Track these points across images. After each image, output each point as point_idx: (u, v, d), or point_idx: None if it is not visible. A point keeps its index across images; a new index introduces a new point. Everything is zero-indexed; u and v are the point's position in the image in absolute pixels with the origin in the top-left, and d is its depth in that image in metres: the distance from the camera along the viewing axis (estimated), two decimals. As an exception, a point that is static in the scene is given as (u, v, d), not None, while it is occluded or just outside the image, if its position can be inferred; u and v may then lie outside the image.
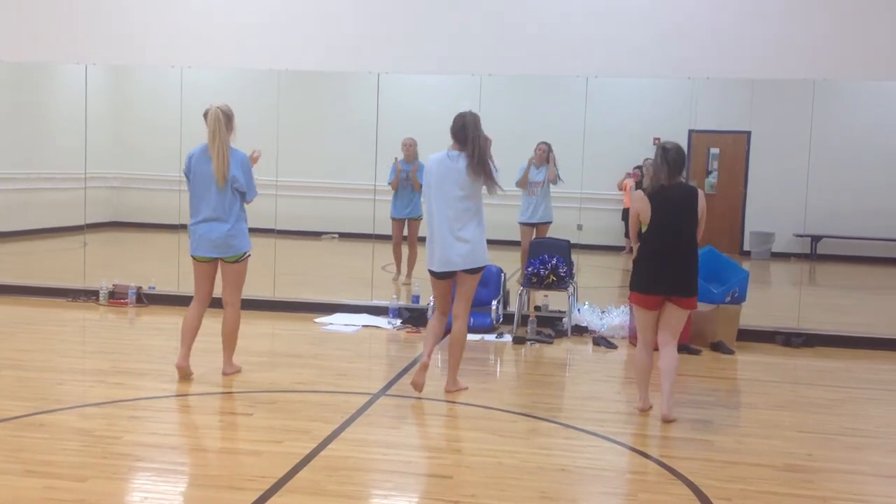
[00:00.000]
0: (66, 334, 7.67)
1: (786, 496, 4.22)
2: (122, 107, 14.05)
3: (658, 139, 11.26)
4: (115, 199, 13.98)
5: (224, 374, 6.07)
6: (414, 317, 8.16)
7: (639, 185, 10.63)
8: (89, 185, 9.98)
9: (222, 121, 5.77)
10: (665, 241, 5.35)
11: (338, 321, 8.24)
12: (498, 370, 7.08)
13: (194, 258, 5.96)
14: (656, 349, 5.48)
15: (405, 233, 10.22)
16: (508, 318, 8.21)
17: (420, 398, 5.67)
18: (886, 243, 12.15)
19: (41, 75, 12.13)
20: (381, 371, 6.87)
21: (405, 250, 10.25)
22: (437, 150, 5.77)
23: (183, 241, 7.23)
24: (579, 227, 9.60)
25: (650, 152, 10.61)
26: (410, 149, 9.98)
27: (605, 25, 8.51)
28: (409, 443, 5.03)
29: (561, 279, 8.06)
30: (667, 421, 5.30)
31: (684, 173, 5.47)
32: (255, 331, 7.64)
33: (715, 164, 12.04)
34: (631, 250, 5.80)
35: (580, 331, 8.03)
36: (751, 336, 7.92)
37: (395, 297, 8.81)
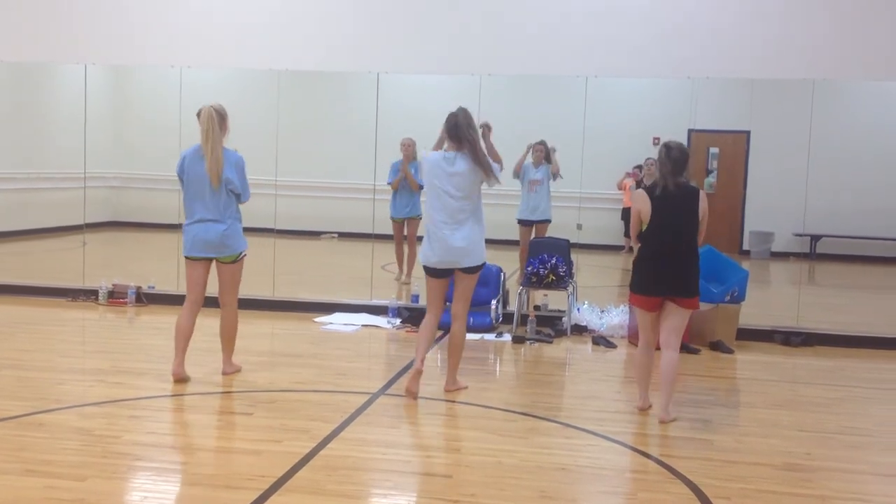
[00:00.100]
0: (66, 334, 7.68)
1: (785, 495, 4.22)
2: (122, 107, 14.06)
3: (658, 139, 11.27)
4: (114, 198, 13.98)
5: (223, 373, 6.07)
6: (413, 316, 8.16)
7: (639, 185, 10.63)
8: (89, 185, 9.99)
9: (215, 120, 5.72)
10: (665, 242, 5.34)
11: (337, 321, 8.25)
12: (497, 369, 7.09)
13: (188, 258, 5.92)
14: (658, 348, 5.48)
15: (405, 232, 10.23)
16: (508, 318, 8.21)
17: (420, 397, 5.67)
18: (885, 243, 12.16)
19: (41, 75, 12.13)
20: (380, 370, 6.87)
21: (405, 250, 10.25)
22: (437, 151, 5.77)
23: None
24: (579, 227, 9.61)
25: (650, 152, 10.64)
26: (409, 149, 9.98)
27: (605, 25, 8.52)
28: (409, 442, 5.04)
29: (560, 278, 8.06)
30: (663, 422, 5.30)
31: (684, 173, 5.45)
32: (255, 330, 7.65)
33: (714, 164, 12.05)
34: (630, 250, 5.79)
35: (580, 330, 8.03)
36: (750, 335, 7.92)
37: (394, 297, 8.82)
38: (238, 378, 6.04)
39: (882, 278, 12.11)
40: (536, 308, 8.41)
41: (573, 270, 8.50)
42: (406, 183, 10.02)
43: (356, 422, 5.14)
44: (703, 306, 7.32)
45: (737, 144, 12.10)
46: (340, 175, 13.34)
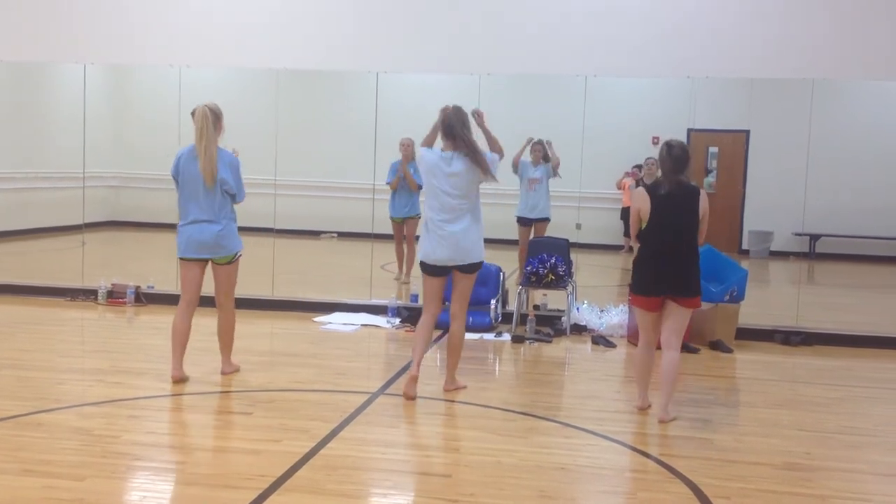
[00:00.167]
0: (65, 334, 7.67)
1: (784, 494, 4.22)
2: (122, 106, 14.07)
3: (657, 138, 11.28)
4: (113, 198, 13.99)
5: (223, 373, 6.06)
6: (412, 316, 8.14)
7: (638, 185, 10.63)
8: (88, 185, 9.98)
9: (209, 119, 5.67)
10: (665, 241, 5.33)
11: (336, 320, 8.24)
12: (497, 369, 7.08)
13: (183, 259, 5.89)
14: (658, 348, 5.47)
15: (405, 232, 10.23)
16: (507, 317, 8.21)
17: (419, 397, 5.66)
18: (885, 242, 12.16)
19: (41, 75, 12.14)
20: (379, 370, 6.87)
21: (405, 249, 10.25)
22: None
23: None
24: (578, 227, 9.61)
25: (649, 151, 10.64)
26: (408, 149, 9.97)
27: (604, 25, 8.52)
28: (408, 441, 5.04)
29: (560, 278, 8.07)
30: (663, 422, 5.30)
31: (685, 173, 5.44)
32: (254, 330, 7.64)
33: (714, 164, 12.06)
34: (630, 249, 5.79)
35: (579, 330, 8.03)
36: (749, 335, 7.92)
37: (393, 296, 8.82)
38: (237, 378, 6.04)
39: (882, 277, 12.11)
40: (536, 307, 8.41)
41: (572, 270, 8.50)
42: (405, 183, 10.01)
43: (355, 421, 5.14)
44: (703, 305, 7.32)
45: (736, 144, 12.11)
46: (340, 175, 13.34)
